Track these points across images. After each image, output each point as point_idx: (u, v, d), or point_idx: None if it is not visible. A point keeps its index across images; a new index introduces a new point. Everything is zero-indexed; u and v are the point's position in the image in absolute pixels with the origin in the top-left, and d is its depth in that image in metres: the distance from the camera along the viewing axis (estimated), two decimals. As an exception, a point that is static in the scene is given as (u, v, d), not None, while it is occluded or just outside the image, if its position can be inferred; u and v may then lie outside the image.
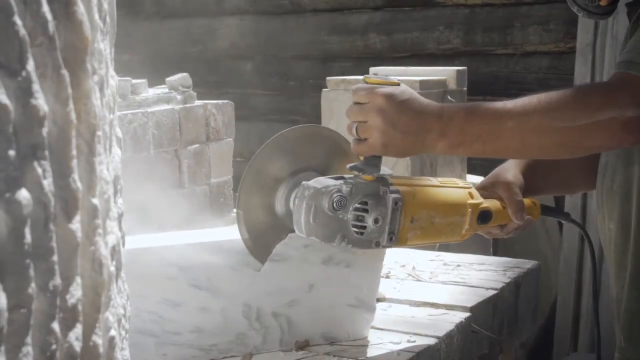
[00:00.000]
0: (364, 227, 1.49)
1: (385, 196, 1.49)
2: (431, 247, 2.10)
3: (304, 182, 1.53)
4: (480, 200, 1.64)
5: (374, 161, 1.50)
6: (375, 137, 1.45)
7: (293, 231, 1.56)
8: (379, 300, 1.85)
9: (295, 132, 1.62)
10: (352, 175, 1.52)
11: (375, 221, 1.49)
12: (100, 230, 0.84)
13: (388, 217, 1.49)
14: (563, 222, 1.88)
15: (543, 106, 1.46)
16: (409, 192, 1.52)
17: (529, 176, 1.78)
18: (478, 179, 3.69)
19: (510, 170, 1.76)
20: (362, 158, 1.51)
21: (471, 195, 1.62)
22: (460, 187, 1.62)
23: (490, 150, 1.50)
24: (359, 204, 1.49)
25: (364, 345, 1.66)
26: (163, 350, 1.57)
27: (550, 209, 1.83)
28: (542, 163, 1.80)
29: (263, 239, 1.61)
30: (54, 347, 0.75)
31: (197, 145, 3.38)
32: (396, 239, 1.51)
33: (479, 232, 1.69)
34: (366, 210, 1.49)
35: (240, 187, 1.58)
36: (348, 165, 1.52)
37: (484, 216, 1.64)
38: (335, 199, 1.48)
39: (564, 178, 1.86)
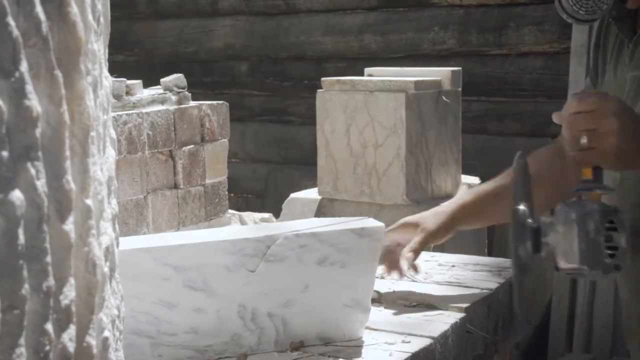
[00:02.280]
0: (616, 249, 1.38)
1: (623, 215, 1.40)
2: (426, 247, 2.09)
3: (560, 205, 1.43)
4: None
5: (598, 176, 1.42)
6: (609, 142, 1.38)
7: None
8: (374, 300, 1.85)
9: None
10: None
11: (627, 241, 1.38)
12: (93, 231, 0.84)
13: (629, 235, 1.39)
14: None
15: None
16: None
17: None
18: (473, 180, 3.69)
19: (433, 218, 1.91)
20: (585, 176, 1.42)
21: None
22: None
23: None
24: (608, 222, 1.38)
25: (358, 345, 1.66)
26: (159, 352, 1.57)
27: None
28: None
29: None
30: (47, 348, 0.75)
31: (192, 146, 3.38)
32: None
33: None
34: (615, 229, 1.38)
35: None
36: (574, 188, 1.43)
37: None
38: (597, 220, 1.37)
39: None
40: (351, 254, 1.66)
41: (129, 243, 1.57)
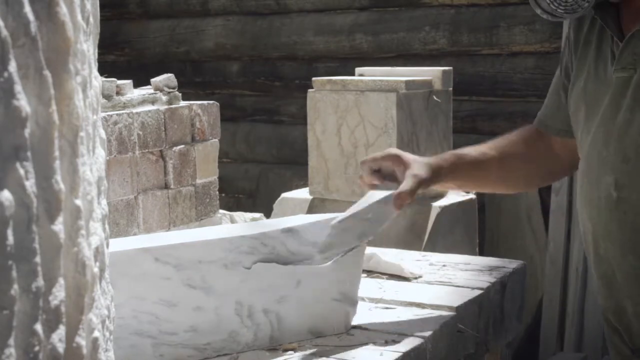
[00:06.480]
0: None
1: None
2: (417, 247, 2.10)
3: None
4: None
5: None
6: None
7: None
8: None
9: None
10: None
11: None
12: (83, 232, 0.84)
13: None
14: None
15: None
16: None
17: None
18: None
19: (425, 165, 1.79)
20: None
21: None
22: None
23: None
24: None
25: (349, 345, 1.66)
26: (160, 352, 1.57)
27: None
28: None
29: None
30: (36, 348, 0.74)
31: (183, 146, 3.37)
32: None
33: None
34: None
35: None
36: None
37: None
38: None
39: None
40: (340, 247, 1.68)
41: (128, 243, 1.57)
